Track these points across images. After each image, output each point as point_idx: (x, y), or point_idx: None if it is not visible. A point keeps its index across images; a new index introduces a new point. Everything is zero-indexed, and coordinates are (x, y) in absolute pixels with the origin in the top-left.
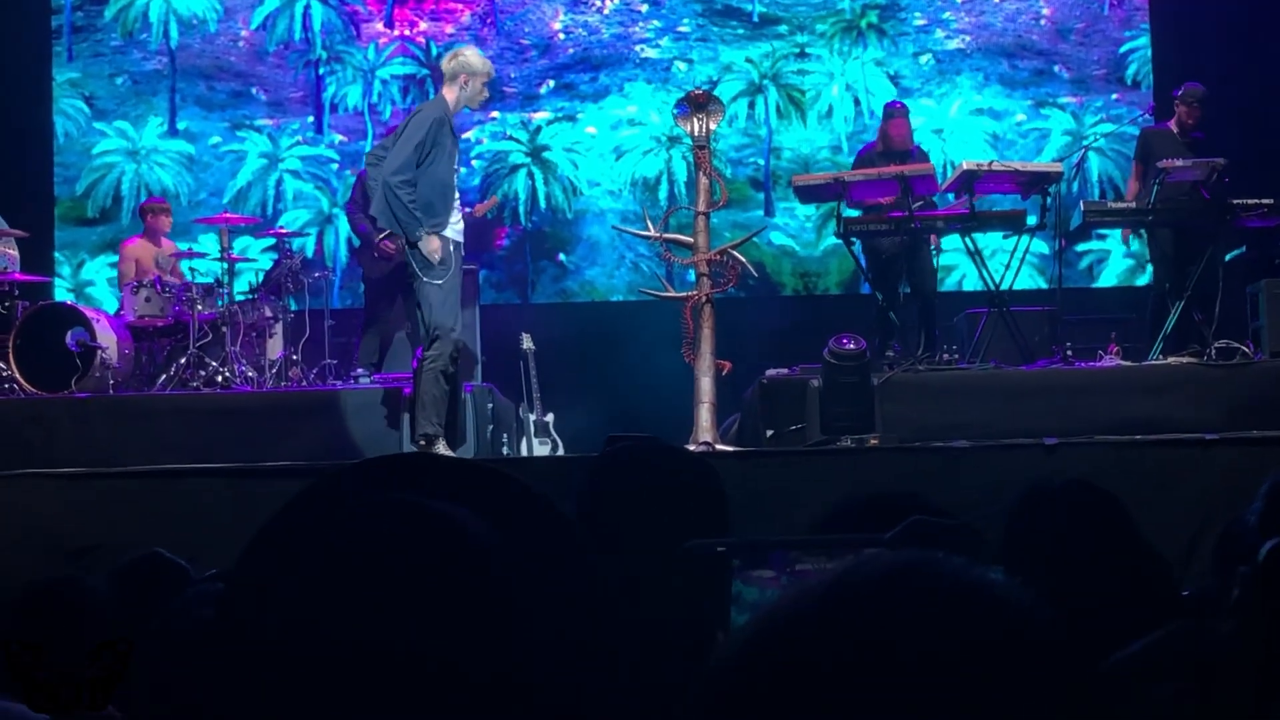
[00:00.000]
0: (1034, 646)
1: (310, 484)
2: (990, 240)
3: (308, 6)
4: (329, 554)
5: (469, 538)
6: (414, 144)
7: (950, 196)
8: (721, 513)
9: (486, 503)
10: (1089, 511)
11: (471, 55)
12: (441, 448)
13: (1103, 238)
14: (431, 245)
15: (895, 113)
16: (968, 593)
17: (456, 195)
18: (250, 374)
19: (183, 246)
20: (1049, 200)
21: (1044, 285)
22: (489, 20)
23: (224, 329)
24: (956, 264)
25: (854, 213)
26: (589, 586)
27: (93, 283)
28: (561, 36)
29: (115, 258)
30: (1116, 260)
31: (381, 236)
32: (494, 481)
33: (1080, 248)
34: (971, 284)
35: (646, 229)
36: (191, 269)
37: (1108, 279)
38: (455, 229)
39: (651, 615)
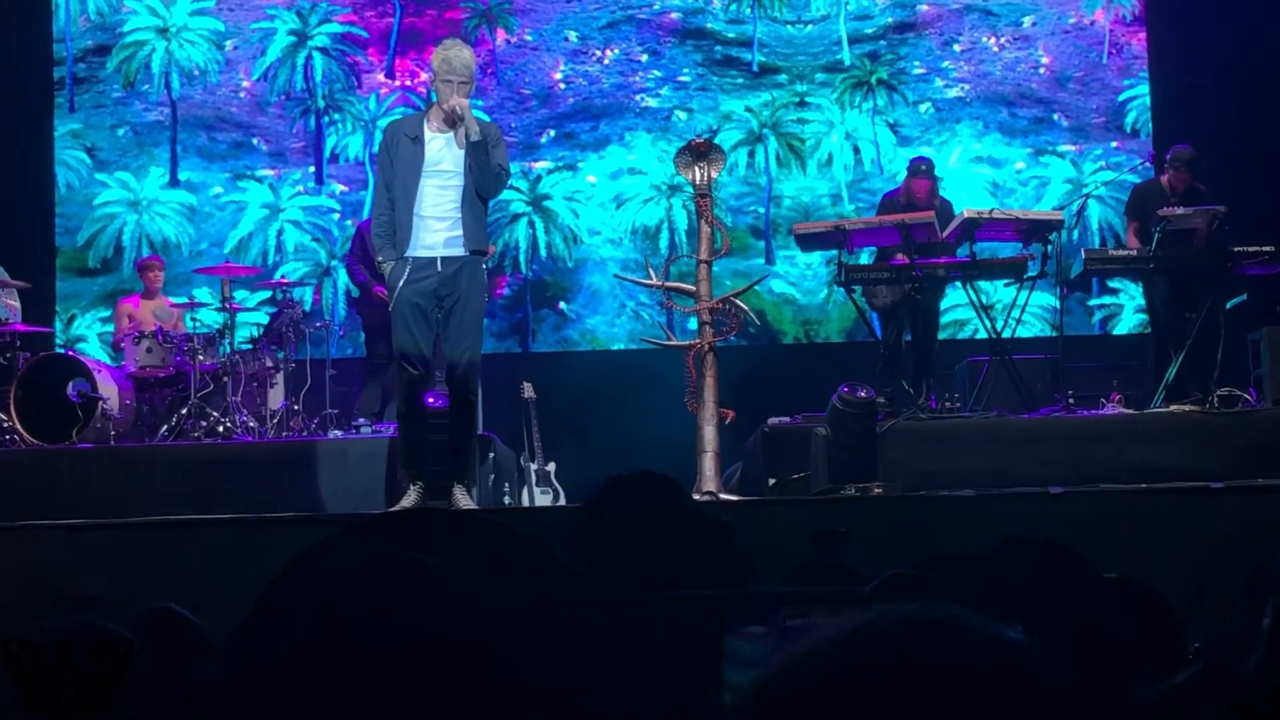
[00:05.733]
0: (1053, 704)
1: (313, 545)
2: (1000, 292)
3: (309, 57)
4: (330, 610)
5: (454, 590)
6: None
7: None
8: (728, 555)
9: (485, 556)
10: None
11: (436, 51)
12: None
13: (1115, 292)
14: None
15: (919, 172)
16: (990, 648)
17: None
18: (251, 424)
19: (182, 299)
20: (1050, 248)
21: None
22: (489, 70)
23: (225, 379)
24: (969, 318)
25: (854, 260)
26: (584, 637)
27: (85, 338)
28: (562, 86)
29: (108, 312)
30: (1129, 315)
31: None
32: (496, 536)
33: (1093, 301)
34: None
35: (648, 277)
36: (194, 319)
37: (1120, 333)
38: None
39: (644, 665)
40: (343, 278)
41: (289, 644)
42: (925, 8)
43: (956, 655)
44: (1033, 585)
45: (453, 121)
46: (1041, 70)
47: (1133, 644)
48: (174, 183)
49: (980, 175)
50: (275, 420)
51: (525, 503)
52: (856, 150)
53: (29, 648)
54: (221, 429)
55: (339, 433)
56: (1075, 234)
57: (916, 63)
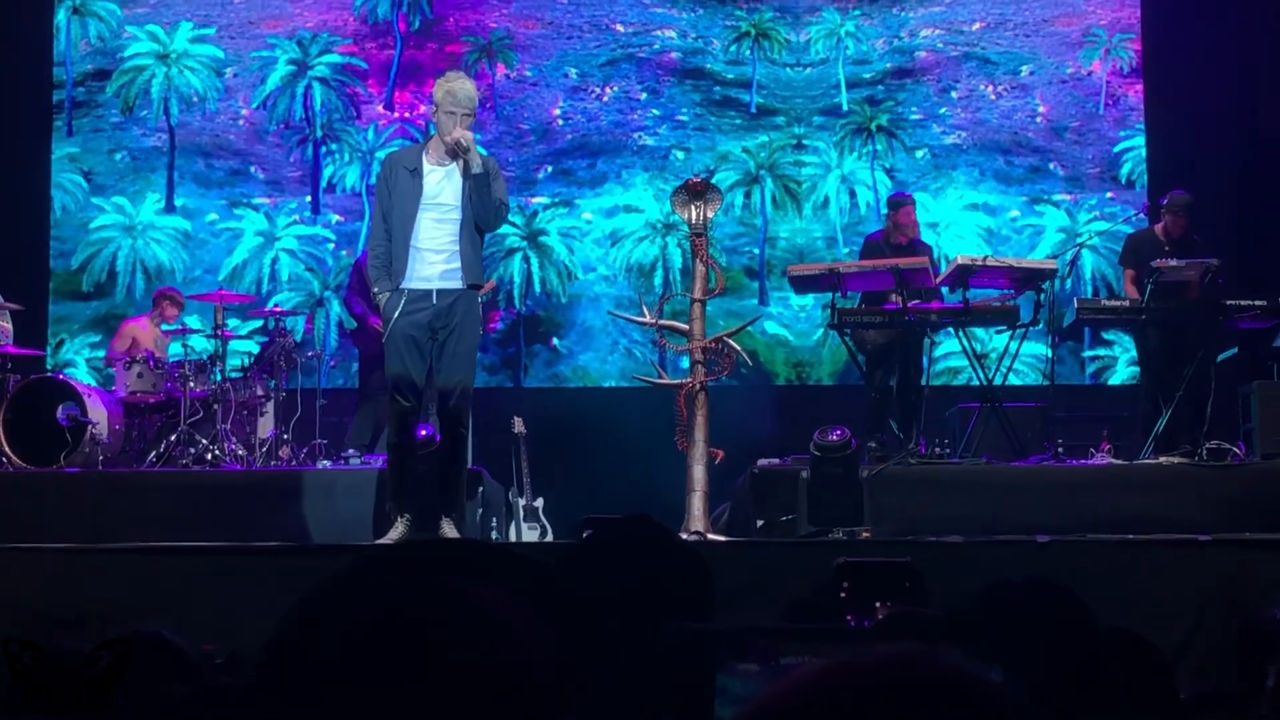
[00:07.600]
0: None
1: (346, 565)
2: (995, 340)
3: (308, 87)
4: (361, 633)
5: (498, 617)
6: None
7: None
8: (707, 599)
9: (523, 587)
10: (1051, 609)
11: (439, 83)
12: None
13: (1109, 344)
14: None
15: (906, 201)
16: (965, 687)
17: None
18: (240, 452)
19: (174, 325)
20: (1043, 297)
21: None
22: (489, 105)
23: (215, 406)
24: (962, 366)
25: (848, 303)
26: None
27: (73, 363)
28: (560, 123)
29: (98, 337)
30: (1123, 367)
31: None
32: (526, 567)
33: (1087, 353)
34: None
35: (642, 315)
36: (186, 345)
37: (1113, 384)
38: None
39: (633, 704)
40: (335, 308)
41: (323, 660)
42: (924, 54)
43: (936, 694)
44: (1020, 626)
45: (455, 153)
46: (1038, 119)
47: (1123, 692)
48: (170, 209)
49: (975, 222)
50: (264, 449)
51: (513, 538)
52: (852, 194)
53: (29, 648)
54: (210, 456)
55: (328, 463)
56: (1069, 283)
57: (914, 109)
